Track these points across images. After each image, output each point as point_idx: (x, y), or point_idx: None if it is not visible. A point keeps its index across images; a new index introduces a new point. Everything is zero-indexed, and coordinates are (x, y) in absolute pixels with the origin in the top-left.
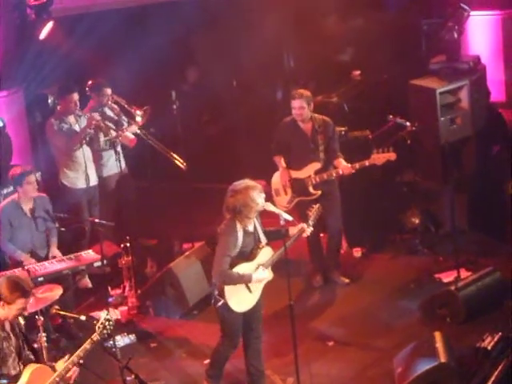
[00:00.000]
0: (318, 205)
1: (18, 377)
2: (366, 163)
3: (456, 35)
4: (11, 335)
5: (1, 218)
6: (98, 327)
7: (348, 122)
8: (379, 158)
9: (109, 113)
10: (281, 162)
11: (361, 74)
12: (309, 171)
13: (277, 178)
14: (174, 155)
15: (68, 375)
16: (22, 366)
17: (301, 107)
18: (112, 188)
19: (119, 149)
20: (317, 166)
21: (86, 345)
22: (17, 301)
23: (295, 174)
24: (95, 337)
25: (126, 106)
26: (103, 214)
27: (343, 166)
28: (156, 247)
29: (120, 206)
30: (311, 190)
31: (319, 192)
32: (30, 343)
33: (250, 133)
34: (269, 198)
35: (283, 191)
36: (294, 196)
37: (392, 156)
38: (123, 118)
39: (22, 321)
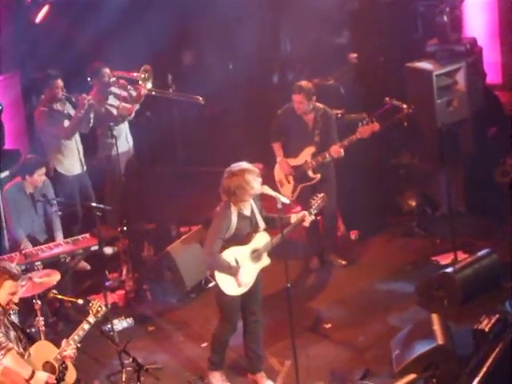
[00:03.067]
0: (322, 194)
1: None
2: (354, 138)
3: (446, 18)
4: (8, 325)
5: (7, 202)
6: (93, 309)
7: (344, 105)
8: (365, 130)
9: (115, 90)
10: (279, 150)
11: (357, 57)
12: (305, 156)
13: (278, 170)
14: (189, 95)
15: (67, 353)
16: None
17: (300, 102)
18: (120, 167)
19: (115, 132)
20: (311, 149)
21: (84, 325)
22: (5, 283)
23: (293, 162)
24: (90, 318)
25: (126, 76)
26: (109, 195)
27: (332, 147)
28: (153, 231)
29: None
30: (311, 174)
31: (319, 175)
32: (23, 331)
33: (247, 116)
34: (272, 186)
35: (286, 181)
36: (297, 184)
37: (375, 127)
38: (131, 90)
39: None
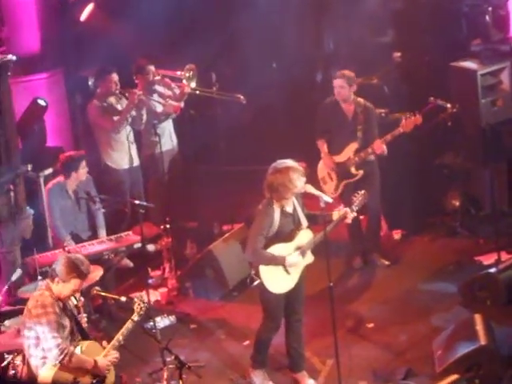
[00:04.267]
0: (363, 191)
1: None
2: (397, 132)
3: (489, 18)
4: (63, 314)
5: (49, 200)
6: (137, 307)
7: (388, 104)
8: (408, 124)
9: (159, 89)
10: (323, 147)
11: (401, 56)
12: (348, 153)
13: (322, 167)
14: (232, 94)
15: (111, 357)
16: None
17: (341, 86)
18: (164, 165)
19: (159, 131)
20: (354, 146)
21: (128, 324)
22: (72, 281)
23: (336, 159)
24: (135, 317)
25: (171, 75)
26: (152, 193)
27: (375, 142)
28: (196, 229)
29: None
30: (353, 170)
31: (361, 171)
32: (80, 326)
33: (290, 115)
34: (315, 185)
35: (329, 178)
36: (340, 181)
37: (418, 120)
38: (175, 89)
39: (74, 301)
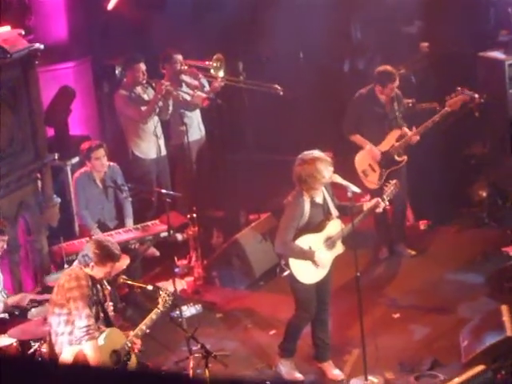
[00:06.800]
0: (395, 181)
1: None
2: (444, 112)
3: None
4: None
5: (76, 189)
6: (162, 299)
7: (416, 94)
8: (455, 102)
9: (186, 79)
10: (362, 140)
11: (429, 46)
12: (391, 141)
13: (361, 159)
14: (269, 85)
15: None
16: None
17: (397, 85)
18: (192, 155)
19: (187, 121)
20: (397, 133)
21: (152, 315)
22: (107, 264)
23: (379, 148)
24: (160, 308)
25: (199, 64)
26: (179, 182)
27: (413, 129)
28: (222, 218)
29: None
30: (397, 158)
31: (405, 157)
32: (106, 312)
33: (317, 105)
34: (342, 175)
35: (371, 170)
36: (383, 170)
37: (466, 97)
38: (203, 79)
39: (108, 287)
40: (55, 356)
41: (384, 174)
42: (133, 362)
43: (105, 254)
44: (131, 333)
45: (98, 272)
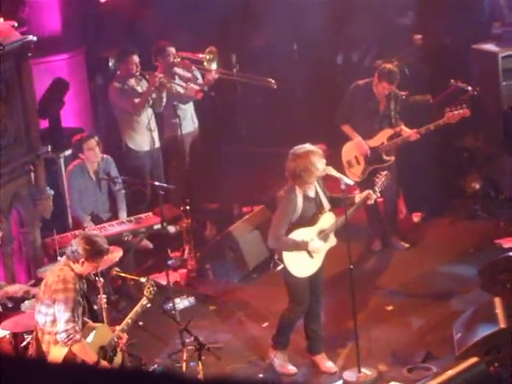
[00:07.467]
0: (386, 172)
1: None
2: (441, 122)
3: (502, 1)
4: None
5: (69, 182)
6: (147, 290)
7: (409, 86)
8: (454, 116)
9: (179, 71)
10: (352, 131)
11: (422, 38)
12: (381, 139)
13: (349, 149)
14: (263, 78)
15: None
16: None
17: (391, 89)
18: (186, 147)
19: (179, 112)
20: (389, 132)
21: (138, 308)
22: (98, 259)
23: (368, 143)
24: (144, 301)
25: (191, 57)
26: (172, 175)
27: (411, 132)
28: (216, 210)
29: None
30: (385, 156)
31: (393, 158)
32: (91, 305)
33: (310, 97)
34: (335, 167)
35: (356, 162)
36: (368, 165)
37: (466, 113)
38: (196, 72)
39: (101, 279)
40: (42, 353)
41: (368, 169)
42: (118, 357)
43: (95, 251)
44: (118, 328)
45: (88, 267)
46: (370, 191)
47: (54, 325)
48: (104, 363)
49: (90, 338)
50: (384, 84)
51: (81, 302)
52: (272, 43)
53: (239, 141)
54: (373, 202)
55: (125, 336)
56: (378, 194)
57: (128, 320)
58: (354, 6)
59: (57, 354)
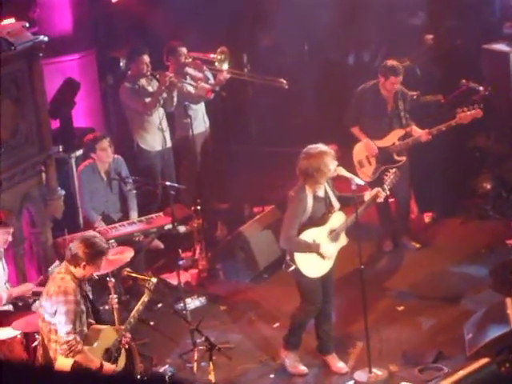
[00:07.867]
0: (394, 169)
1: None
2: (453, 123)
3: None
4: (82, 298)
5: (80, 182)
6: (148, 287)
7: (420, 87)
8: (466, 116)
9: (191, 71)
10: (361, 133)
11: (433, 39)
12: (392, 139)
13: (359, 150)
14: (275, 78)
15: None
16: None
17: (398, 83)
18: (197, 147)
19: (191, 112)
20: (400, 132)
21: (139, 305)
22: (99, 261)
23: (378, 144)
24: (146, 297)
25: (203, 57)
26: (183, 175)
27: (422, 132)
28: (227, 211)
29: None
30: (396, 157)
31: (404, 158)
32: (94, 306)
33: (322, 97)
34: (346, 168)
35: (367, 162)
36: (379, 166)
37: (478, 113)
38: (207, 72)
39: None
40: (49, 359)
41: (379, 169)
42: (122, 356)
43: (95, 252)
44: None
45: (90, 270)
46: (380, 189)
47: (57, 334)
48: (108, 366)
49: (95, 343)
50: (392, 79)
51: (83, 310)
52: (282, 43)
53: (250, 141)
54: (382, 199)
55: (128, 335)
56: (388, 192)
57: (130, 319)
58: (365, 6)
59: (64, 362)
